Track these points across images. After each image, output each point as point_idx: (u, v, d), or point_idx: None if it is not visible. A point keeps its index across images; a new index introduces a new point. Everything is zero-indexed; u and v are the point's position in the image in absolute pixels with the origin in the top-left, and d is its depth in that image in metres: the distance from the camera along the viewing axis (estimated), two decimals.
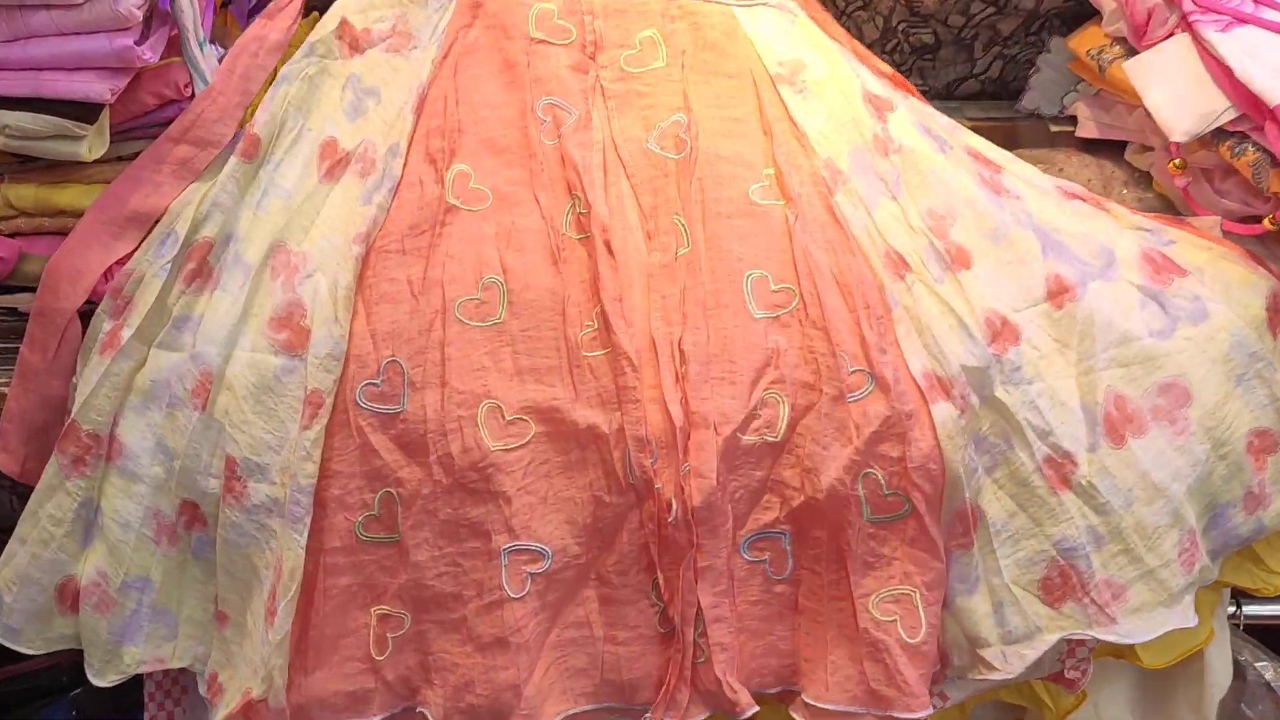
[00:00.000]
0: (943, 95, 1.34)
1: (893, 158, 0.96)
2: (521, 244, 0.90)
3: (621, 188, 0.94)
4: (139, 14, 0.85)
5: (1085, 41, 1.13)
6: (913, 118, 1.00)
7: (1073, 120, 1.20)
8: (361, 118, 0.99)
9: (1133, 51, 1.08)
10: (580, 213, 0.91)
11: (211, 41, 1.02)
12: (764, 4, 1.04)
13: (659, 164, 0.96)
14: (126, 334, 0.88)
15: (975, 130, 1.14)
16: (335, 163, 0.96)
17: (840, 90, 1.00)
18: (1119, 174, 1.14)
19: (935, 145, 0.98)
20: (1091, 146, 1.17)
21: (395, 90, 0.99)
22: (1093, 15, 1.26)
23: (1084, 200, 0.99)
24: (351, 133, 0.97)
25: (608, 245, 0.89)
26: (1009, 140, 1.18)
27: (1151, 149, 1.11)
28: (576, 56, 1.00)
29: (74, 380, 0.91)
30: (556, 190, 0.93)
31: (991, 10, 1.27)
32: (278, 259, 0.90)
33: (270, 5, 1.03)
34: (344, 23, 1.02)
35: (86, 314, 0.92)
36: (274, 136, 0.97)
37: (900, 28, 1.33)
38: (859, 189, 0.94)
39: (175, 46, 0.93)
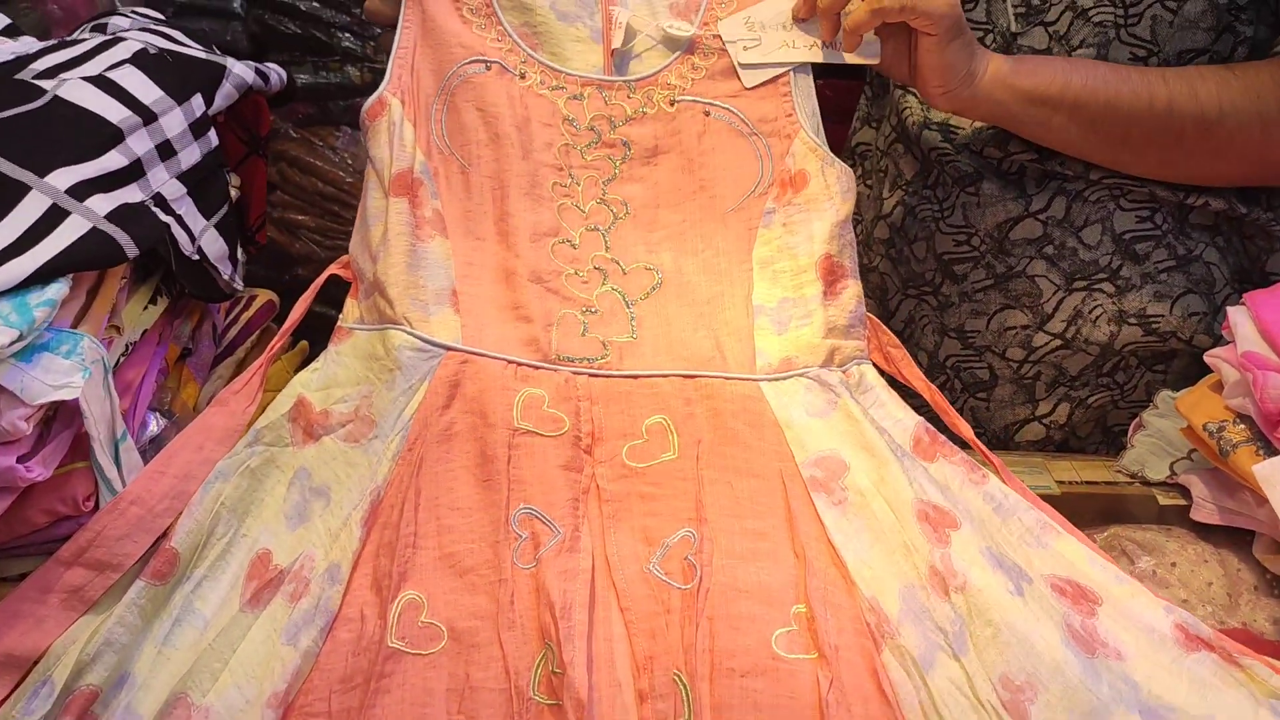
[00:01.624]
0: (1000, 441, 1.17)
1: (955, 599, 0.75)
2: (475, 709, 0.70)
3: (613, 627, 0.74)
4: (26, 427, 0.69)
5: (1201, 410, 0.92)
6: (981, 542, 0.78)
7: (1185, 490, 0.98)
8: (305, 525, 0.79)
9: (1262, 439, 0.88)
10: (553, 671, 0.72)
11: (153, 411, 0.87)
12: (798, 375, 0.88)
13: (661, 595, 0.75)
14: None
15: (1067, 496, 0.97)
16: (265, 584, 0.76)
17: (890, 502, 0.80)
18: (1246, 575, 0.91)
19: (1010, 582, 0.76)
20: (1210, 532, 0.95)
21: (347, 491, 0.79)
22: (1178, 354, 1.10)
23: (1210, 649, 0.75)
24: (291, 544, 0.78)
25: None
26: (1108, 512, 0.99)
27: None
28: (568, 453, 0.82)
29: None
30: (527, 631, 0.73)
31: (1057, 344, 1.10)
32: (175, 715, 0.71)
33: (225, 390, 0.85)
34: (301, 403, 0.84)
35: None
36: (198, 548, 0.77)
37: (949, 362, 1.16)
38: (911, 644, 0.72)
39: (81, 448, 0.74)
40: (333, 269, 0.92)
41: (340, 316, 0.90)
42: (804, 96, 0.96)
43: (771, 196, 0.93)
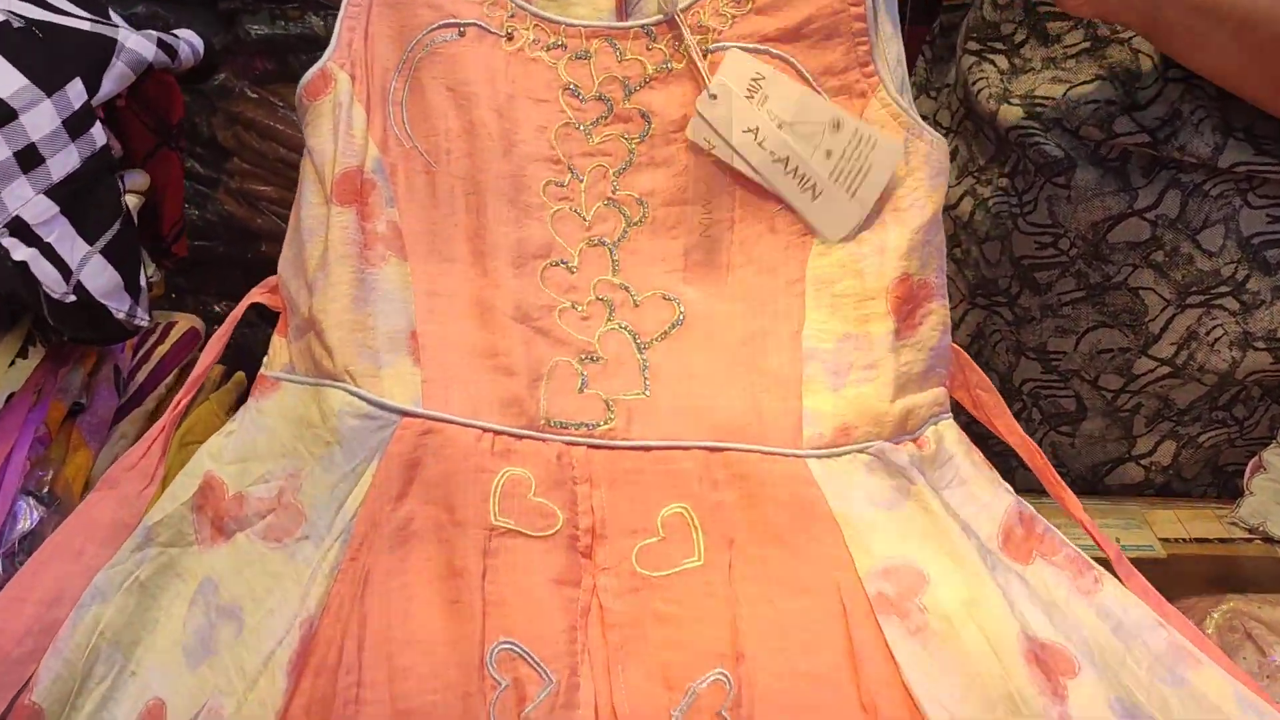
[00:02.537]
0: (1087, 483, 0.97)
1: None
2: None
3: None
4: None
5: None
6: (1106, 691, 0.59)
7: None
8: (209, 661, 0.60)
9: None
10: None
11: (26, 496, 0.67)
12: (857, 450, 0.69)
13: None
14: None
15: (1174, 559, 0.83)
16: None
17: (987, 634, 0.60)
18: None
19: None
20: None
21: (267, 615, 0.60)
22: None
23: None
24: (192, 688, 0.58)
25: None
26: (1222, 576, 0.83)
27: None
28: (562, 560, 0.62)
29: None
30: None
31: (1164, 372, 0.90)
32: None
33: (117, 465, 0.66)
34: (209, 484, 0.65)
35: None
36: (68, 700, 0.59)
37: (1026, 388, 0.96)
38: None
39: None
40: (255, 295, 0.72)
41: (265, 359, 0.70)
42: (887, 40, 0.73)
43: None
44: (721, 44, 0.72)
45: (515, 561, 0.62)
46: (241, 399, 0.82)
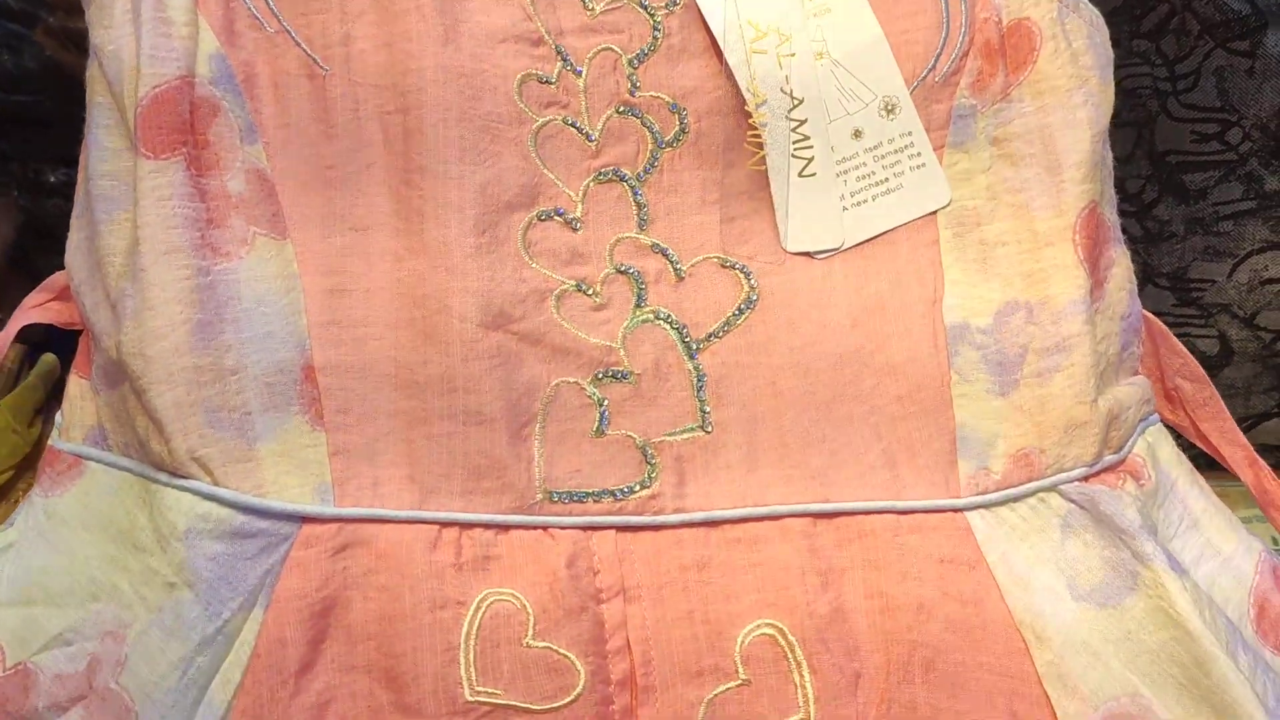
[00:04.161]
0: None
1: None
2: None
3: None
4: None
5: None
6: None
7: None
8: None
9: None
10: None
11: None
12: (1047, 488, 0.43)
13: None
14: None
15: None
16: None
17: None
18: None
19: None
20: None
21: None
22: None
23: None
24: None
25: None
26: None
27: None
28: None
29: None
30: None
31: None
32: None
33: None
34: None
35: None
36: None
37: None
38: None
39: None
40: (28, 312, 0.43)
41: (58, 417, 0.42)
42: None
43: (966, 82, 0.46)
44: None
45: None
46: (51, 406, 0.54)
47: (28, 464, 0.59)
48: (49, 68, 1.24)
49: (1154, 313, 0.73)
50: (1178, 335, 0.73)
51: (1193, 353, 0.73)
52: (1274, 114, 0.63)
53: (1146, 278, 0.72)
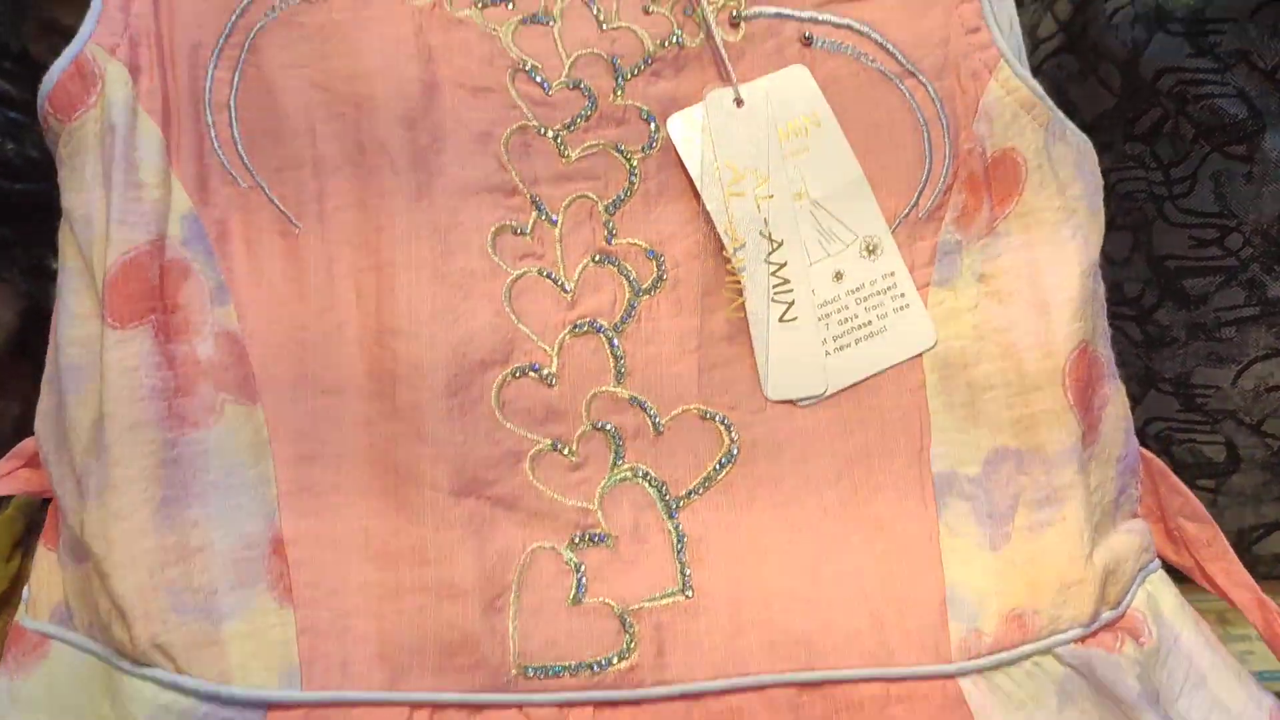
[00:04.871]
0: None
1: None
2: None
3: None
4: None
5: None
6: None
7: None
8: None
9: None
10: None
11: None
12: (1041, 652, 0.41)
13: None
14: None
15: None
16: None
17: None
18: None
19: None
20: None
21: None
22: None
23: None
24: None
25: None
26: None
27: None
28: None
29: None
30: None
31: None
32: None
33: None
34: None
35: None
36: None
37: (1154, 430, 0.70)
38: None
39: None
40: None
41: (25, 591, 0.40)
42: None
43: (950, 217, 0.44)
44: (760, 10, 0.43)
45: None
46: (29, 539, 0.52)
47: (4, 600, 0.57)
48: (51, 157, 1.24)
49: (1158, 419, 0.71)
50: (1183, 441, 0.71)
51: (1199, 459, 0.71)
52: (1274, 219, 0.61)
53: (1149, 383, 0.70)
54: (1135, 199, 0.65)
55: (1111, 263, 0.68)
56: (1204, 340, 0.67)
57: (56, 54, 1.22)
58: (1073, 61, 0.67)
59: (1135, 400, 0.71)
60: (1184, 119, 0.62)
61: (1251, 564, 0.73)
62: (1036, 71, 0.70)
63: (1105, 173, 0.66)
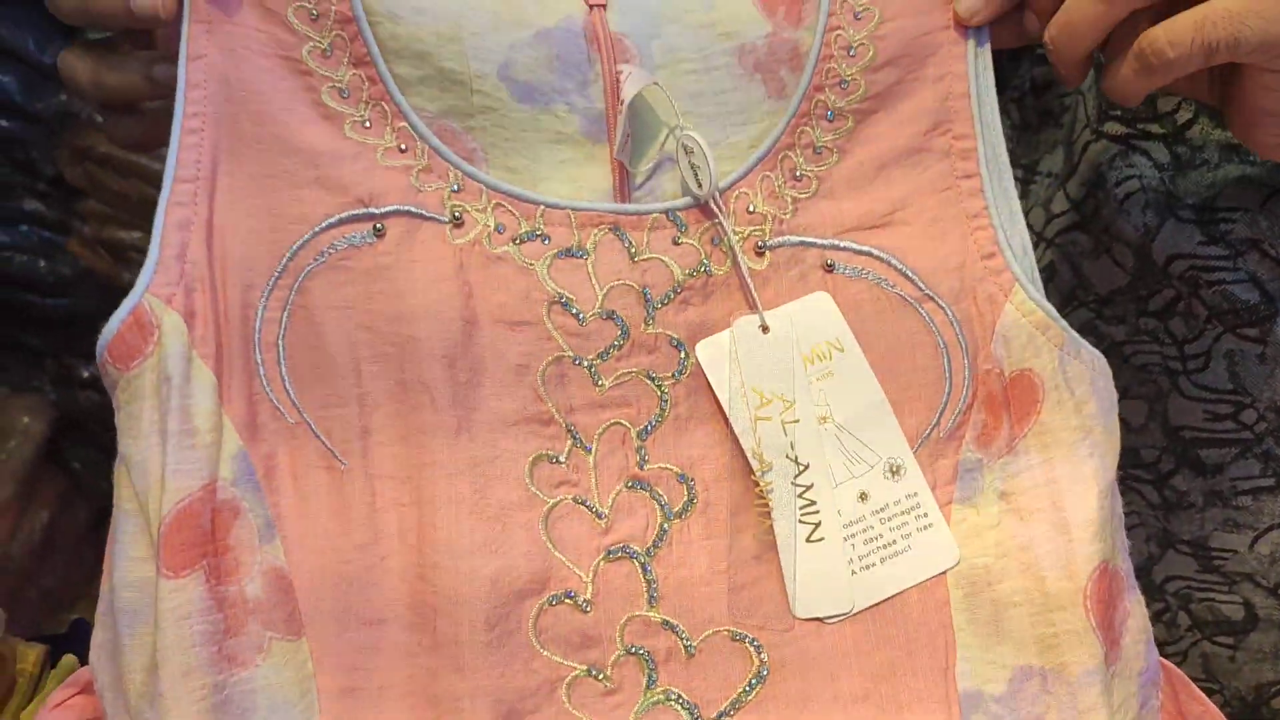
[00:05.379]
0: (1246, 706, 0.74)
1: None
2: None
3: None
4: None
5: None
6: None
7: None
8: None
9: None
10: None
11: None
12: None
13: None
14: None
15: None
16: None
17: None
18: None
19: None
20: None
21: None
22: None
23: None
24: None
25: None
26: None
27: None
28: None
29: None
30: None
31: None
32: None
33: None
34: None
35: None
36: None
37: (1173, 588, 0.71)
38: None
39: None
40: (52, 712, 0.44)
41: None
42: (1009, 220, 0.49)
43: (970, 436, 0.46)
44: (784, 239, 0.45)
45: None
46: None
47: None
48: (81, 274, 1.29)
49: (1172, 575, 0.72)
50: (1202, 600, 0.72)
51: (1218, 618, 0.72)
52: None
53: (1168, 544, 0.71)
54: (1150, 371, 0.67)
55: (1128, 429, 0.69)
56: (1221, 507, 0.68)
57: (89, 179, 1.25)
58: (1086, 239, 0.69)
59: (1152, 559, 0.72)
60: (1197, 300, 0.63)
61: (1268, 719, 0.74)
62: (1050, 245, 0.72)
63: (1120, 345, 0.68)
